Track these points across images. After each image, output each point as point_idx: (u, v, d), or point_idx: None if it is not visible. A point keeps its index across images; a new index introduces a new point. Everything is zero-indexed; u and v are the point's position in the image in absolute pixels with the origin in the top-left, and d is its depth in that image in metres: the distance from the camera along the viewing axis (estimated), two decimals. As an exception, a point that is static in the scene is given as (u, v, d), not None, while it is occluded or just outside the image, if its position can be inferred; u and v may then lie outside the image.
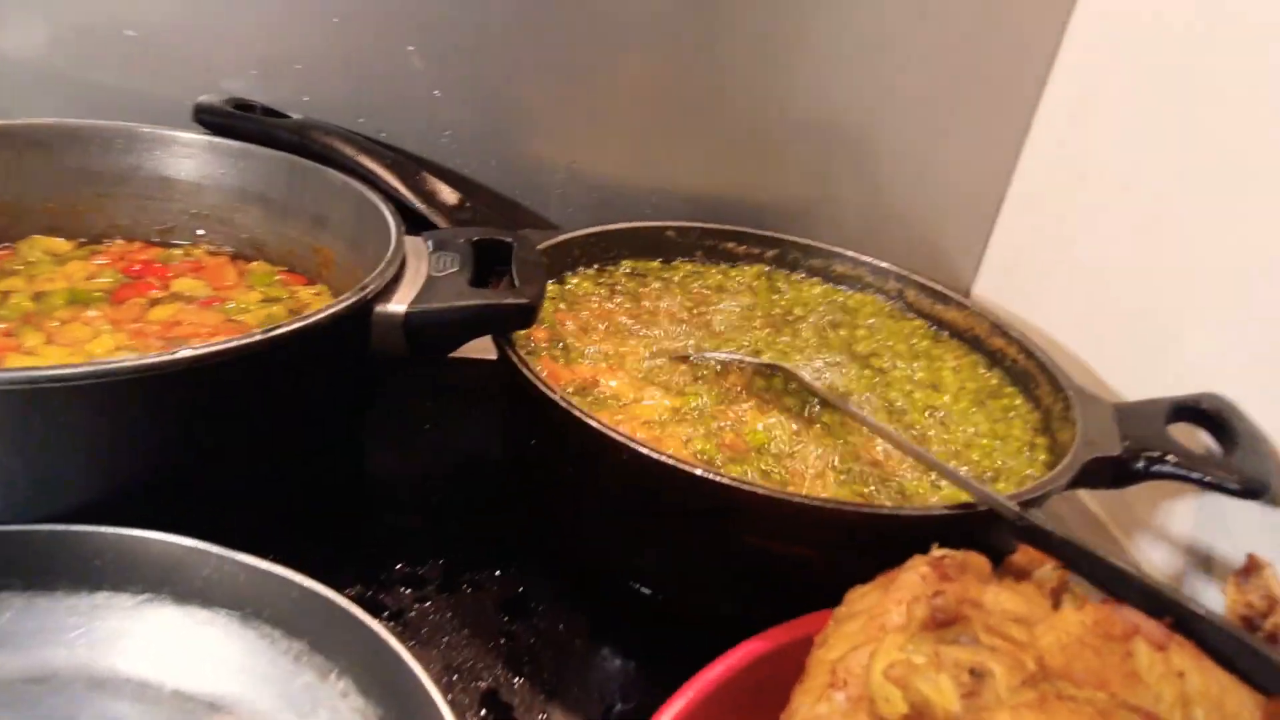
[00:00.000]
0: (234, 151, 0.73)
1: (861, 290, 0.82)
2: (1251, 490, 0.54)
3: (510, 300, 0.57)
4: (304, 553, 0.49)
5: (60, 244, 0.71)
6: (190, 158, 0.74)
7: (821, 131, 0.89)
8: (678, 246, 0.82)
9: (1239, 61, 0.66)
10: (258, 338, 0.47)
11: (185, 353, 0.45)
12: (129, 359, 0.43)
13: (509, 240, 0.65)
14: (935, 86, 0.88)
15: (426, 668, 0.43)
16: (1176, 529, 0.68)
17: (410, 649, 0.43)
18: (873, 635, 0.42)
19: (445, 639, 0.53)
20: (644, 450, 0.50)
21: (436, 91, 0.82)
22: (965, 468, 0.60)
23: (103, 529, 0.46)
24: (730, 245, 0.83)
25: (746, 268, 0.83)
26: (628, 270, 0.79)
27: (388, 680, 0.44)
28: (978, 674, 0.35)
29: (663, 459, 0.49)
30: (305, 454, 0.58)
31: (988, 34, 0.86)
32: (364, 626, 0.45)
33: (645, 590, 0.57)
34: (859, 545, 0.50)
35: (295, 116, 0.76)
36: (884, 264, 0.82)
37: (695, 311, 0.74)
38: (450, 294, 0.57)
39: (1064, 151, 0.86)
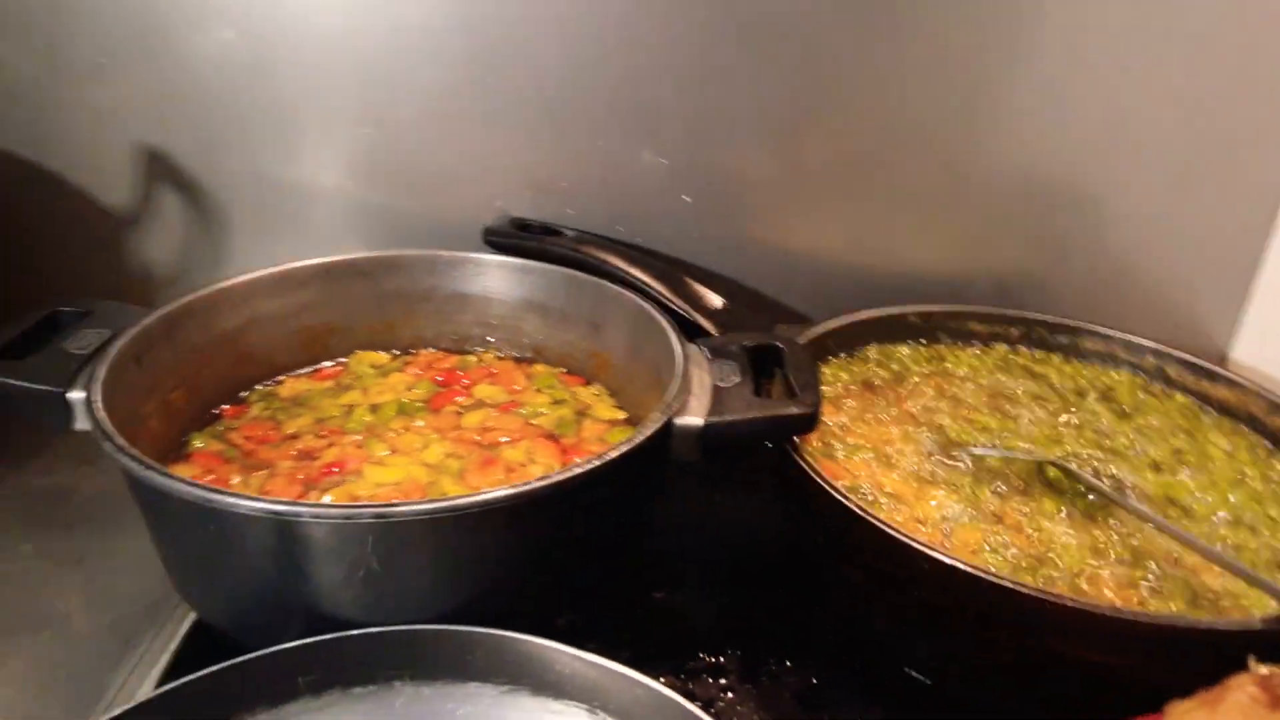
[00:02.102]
0: (518, 268, 0.83)
1: (1115, 367, 0.82)
2: None
3: (795, 410, 0.62)
4: (618, 645, 0.56)
5: (381, 357, 0.83)
6: (480, 275, 0.83)
7: (1055, 201, 0.89)
8: (921, 330, 0.85)
9: None
10: (610, 457, 0.54)
11: (557, 477, 0.53)
12: (508, 488, 0.52)
13: (780, 345, 0.70)
14: (1179, 152, 0.86)
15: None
16: None
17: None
18: (1200, 754, 0.43)
19: (750, 730, 0.58)
20: (941, 558, 0.53)
21: (686, 197, 0.89)
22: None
23: (474, 629, 0.54)
24: (974, 325, 0.85)
25: (994, 348, 0.84)
26: (876, 357, 0.82)
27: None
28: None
29: (960, 567, 0.52)
30: (617, 555, 0.65)
31: (1235, 101, 0.84)
32: (699, 722, 0.50)
33: (940, 688, 0.60)
34: (1168, 656, 0.50)
35: (569, 232, 0.85)
36: (1139, 339, 0.81)
37: (952, 398, 0.76)
38: (739, 405, 0.63)
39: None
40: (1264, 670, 0.45)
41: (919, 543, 0.54)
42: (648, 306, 0.74)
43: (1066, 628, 0.51)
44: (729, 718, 0.59)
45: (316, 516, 0.50)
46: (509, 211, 0.89)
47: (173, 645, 0.62)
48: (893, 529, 0.55)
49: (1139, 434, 0.72)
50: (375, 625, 0.54)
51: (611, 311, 0.78)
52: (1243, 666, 0.47)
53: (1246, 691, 0.44)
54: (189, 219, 0.92)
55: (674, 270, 0.81)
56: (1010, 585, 0.51)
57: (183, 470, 0.67)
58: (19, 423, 0.61)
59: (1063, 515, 0.63)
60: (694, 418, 0.62)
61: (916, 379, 0.79)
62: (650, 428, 0.58)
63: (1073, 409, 0.76)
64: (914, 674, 0.61)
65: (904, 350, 0.83)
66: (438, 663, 0.54)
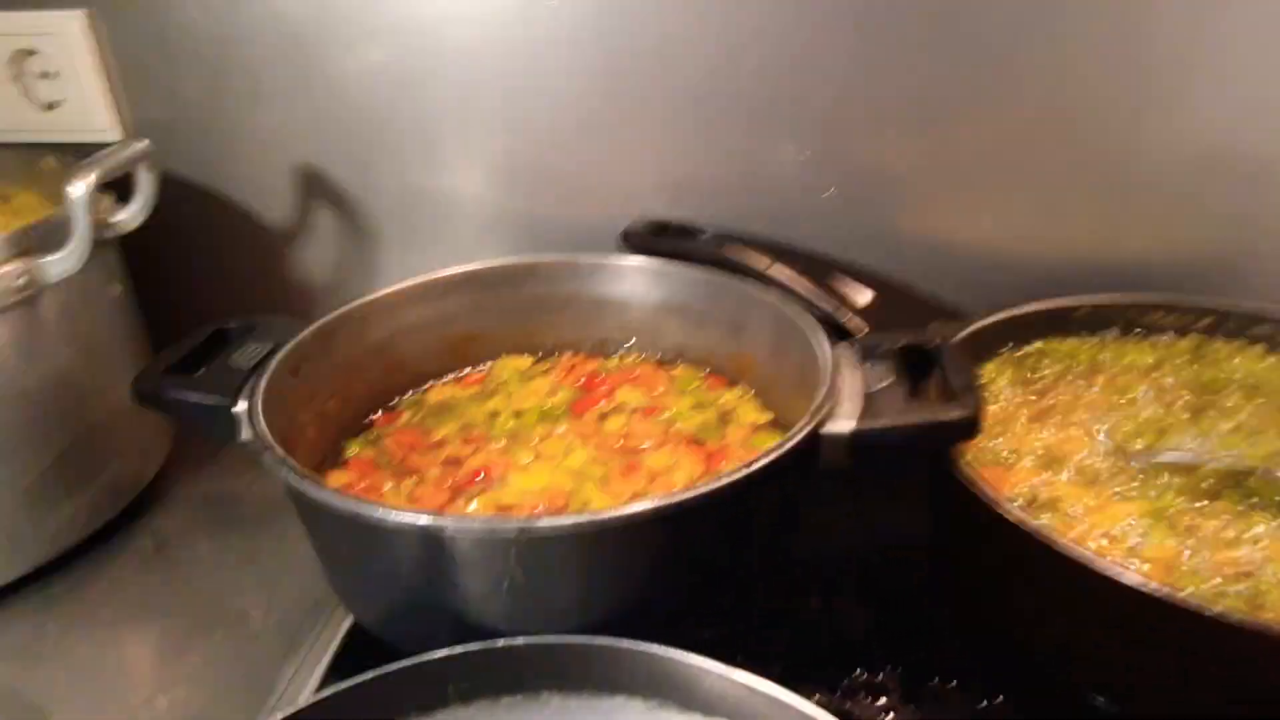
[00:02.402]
0: (656, 269, 0.81)
1: (1328, 360, 0.73)
2: None
3: (954, 414, 0.58)
4: (769, 659, 0.53)
5: (523, 362, 0.83)
6: (620, 279, 0.82)
7: (1244, 174, 0.80)
8: (1094, 323, 0.78)
9: None
10: (750, 469, 0.52)
11: (702, 489, 0.51)
12: (653, 501, 0.50)
13: (935, 344, 0.65)
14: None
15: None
16: None
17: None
18: None
19: (916, 755, 0.55)
20: (1133, 583, 0.48)
21: (829, 191, 0.85)
22: None
23: (620, 643, 0.53)
24: (1155, 317, 0.77)
25: (1179, 341, 0.76)
26: (1042, 354, 0.76)
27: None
28: None
29: (1156, 594, 0.47)
30: (767, 566, 0.62)
31: None
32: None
33: (1121, 714, 0.54)
34: None
35: (708, 232, 0.83)
36: (1358, 328, 0.72)
37: (1132, 397, 0.70)
38: (892, 411, 0.59)
39: None
40: None
41: (1105, 565, 0.49)
42: (789, 308, 0.72)
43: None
44: (889, 742, 0.55)
45: (460, 530, 0.50)
46: (647, 213, 0.88)
47: (334, 645, 0.64)
48: (1074, 550, 0.50)
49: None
50: (522, 636, 0.54)
51: (753, 312, 0.76)
52: None
53: None
54: (343, 234, 0.95)
55: (817, 267, 0.78)
56: (1215, 615, 0.45)
57: (338, 476, 0.69)
58: (193, 432, 0.65)
59: (1269, 529, 0.56)
60: (844, 423, 0.59)
61: (1090, 377, 0.73)
62: (796, 436, 0.56)
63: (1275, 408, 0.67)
64: (1099, 701, 0.55)
65: (1075, 345, 0.76)
66: (584, 675, 0.54)
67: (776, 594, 0.66)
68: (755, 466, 0.53)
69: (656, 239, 0.83)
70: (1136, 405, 0.69)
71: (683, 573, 0.56)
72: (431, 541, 0.52)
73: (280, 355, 0.67)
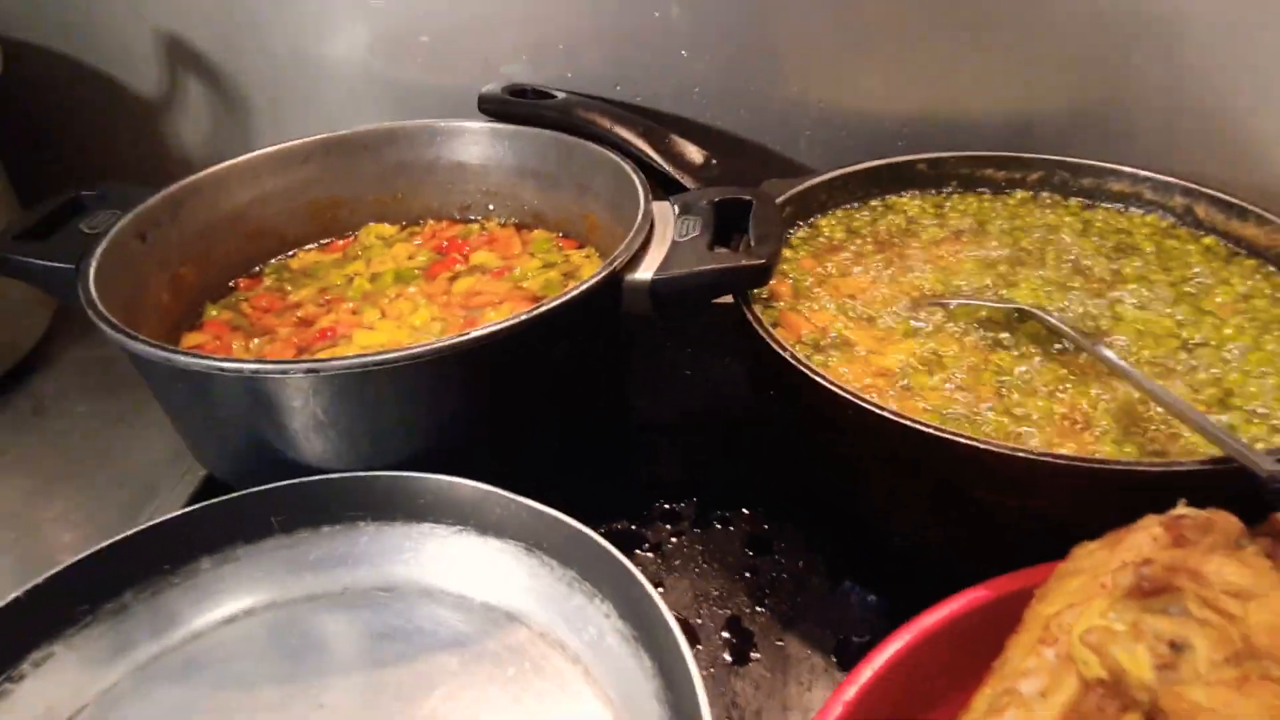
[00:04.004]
0: (510, 134, 0.83)
1: (1143, 209, 0.76)
2: None
3: (745, 262, 0.61)
4: (581, 493, 0.59)
5: (388, 229, 0.86)
6: (477, 143, 0.84)
7: (1109, 27, 0.80)
8: (931, 179, 0.80)
9: None
10: (523, 318, 0.56)
11: (473, 334, 0.55)
12: (428, 343, 0.54)
13: (747, 198, 0.68)
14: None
15: (680, 594, 0.50)
16: None
17: (667, 577, 0.49)
18: (1092, 594, 0.43)
19: (696, 569, 0.60)
20: (869, 406, 0.52)
21: (684, 51, 0.86)
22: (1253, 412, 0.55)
23: (425, 476, 0.58)
24: (989, 172, 0.80)
25: (1010, 195, 0.79)
26: (880, 209, 0.79)
27: (638, 607, 0.51)
28: (1177, 647, 0.35)
29: (887, 415, 0.51)
30: (575, 407, 0.67)
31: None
32: (618, 562, 0.52)
33: (881, 533, 0.60)
34: (1097, 501, 0.49)
35: (559, 95, 0.85)
36: (1167, 178, 0.75)
37: (949, 249, 0.73)
38: (690, 259, 0.62)
39: None
40: (1179, 512, 0.43)
41: (849, 392, 0.53)
42: (624, 164, 0.74)
43: (998, 475, 0.50)
44: (674, 558, 0.61)
45: (256, 373, 0.54)
46: (512, 77, 0.89)
47: (189, 492, 0.69)
48: (819, 375, 0.54)
49: (1144, 282, 0.67)
50: (341, 472, 0.59)
51: (596, 172, 0.78)
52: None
53: (1150, 531, 0.42)
54: (214, 103, 0.96)
55: (660, 128, 0.79)
56: (921, 428, 0.50)
57: (193, 338, 0.73)
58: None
59: (1030, 367, 0.60)
60: (643, 272, 0.62)
61: (917, 230, 0.76)
62: (587, 283, 0.59)
63: (1073, 257, 0.71)
64: (868, 526, 0.61)
65: (909, 201, 0.79)
66: (394, 505, 0.59)
67: (599, 438, 0.71)
68: (536, 311, 0.57)
69: (510, 103, 0.84)
70: (948, 258, 0.72)
71: (487, 412, 0.60)
72: (238, 385, 0.56)
73: (124, 221, 0.70)
